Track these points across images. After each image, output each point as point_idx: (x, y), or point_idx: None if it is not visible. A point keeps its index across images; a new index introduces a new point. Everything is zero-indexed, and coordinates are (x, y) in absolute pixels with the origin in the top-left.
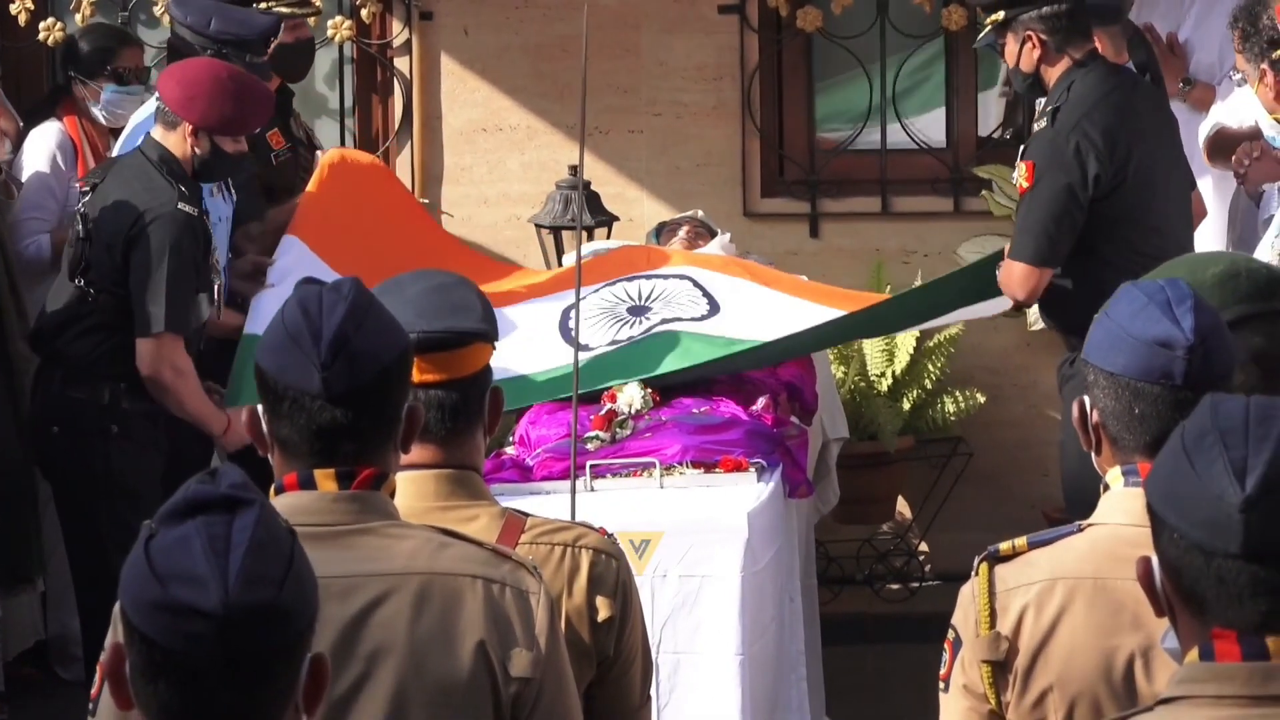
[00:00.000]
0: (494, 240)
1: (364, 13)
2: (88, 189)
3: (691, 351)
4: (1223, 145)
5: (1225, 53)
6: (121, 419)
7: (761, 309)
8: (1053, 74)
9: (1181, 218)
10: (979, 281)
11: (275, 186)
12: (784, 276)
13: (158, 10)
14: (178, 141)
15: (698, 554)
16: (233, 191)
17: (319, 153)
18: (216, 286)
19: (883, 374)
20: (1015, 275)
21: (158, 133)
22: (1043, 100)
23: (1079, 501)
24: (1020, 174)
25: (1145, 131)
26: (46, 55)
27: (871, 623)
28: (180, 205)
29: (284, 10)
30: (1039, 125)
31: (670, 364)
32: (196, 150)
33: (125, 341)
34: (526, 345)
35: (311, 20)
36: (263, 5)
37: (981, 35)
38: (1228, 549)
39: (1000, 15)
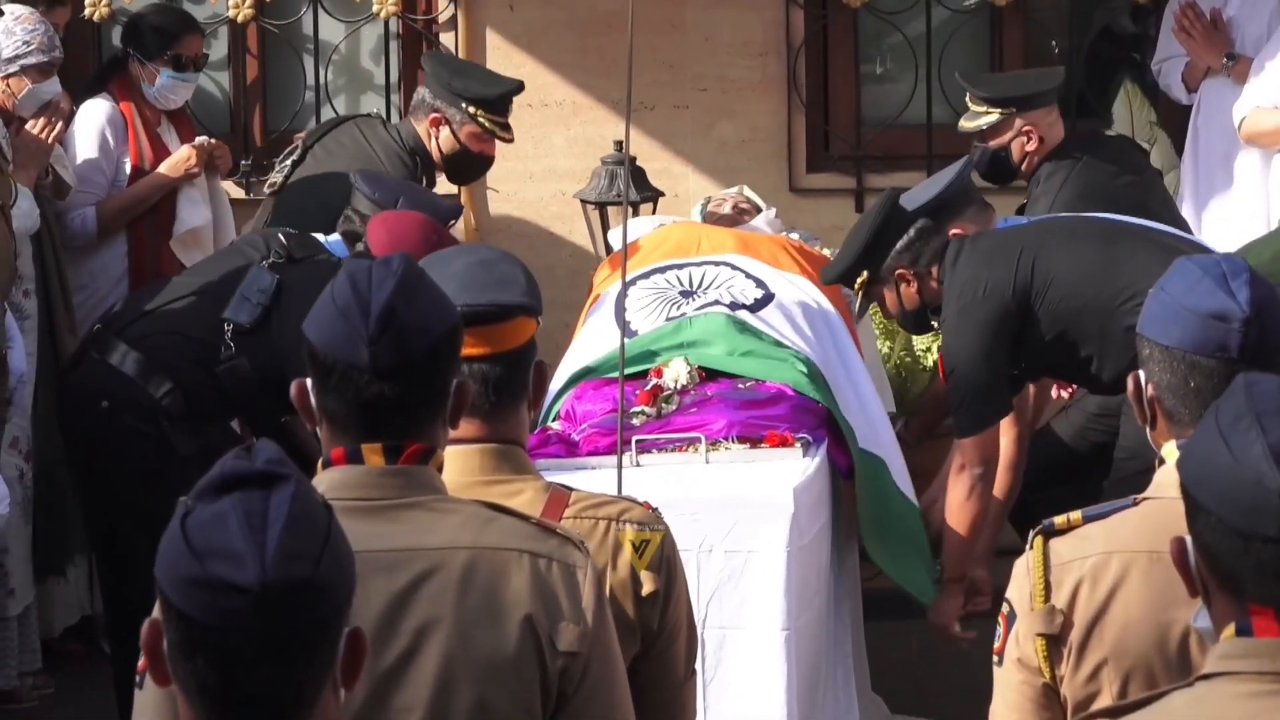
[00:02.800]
0: (540, 216)
1: None
2: (282, 255)
3: (738, 346)
4: (1263, 130)
5: (1275, 24)
6: (169, 416)
7: (810, 305)
8: (930, 294)
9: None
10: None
11: None
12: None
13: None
14: None
15: (743, 529)
16: None
17: None
18: None
19: (929, 349)
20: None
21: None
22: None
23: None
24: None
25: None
26: (93, 31)
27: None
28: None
29: (485, 122)
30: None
31: (717, 351)
32: None
33: (198, 351)
34: (586, 338)
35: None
36: (472, 109)
37: (858, 309)
38: (1267, 533)
39: (864, 276)
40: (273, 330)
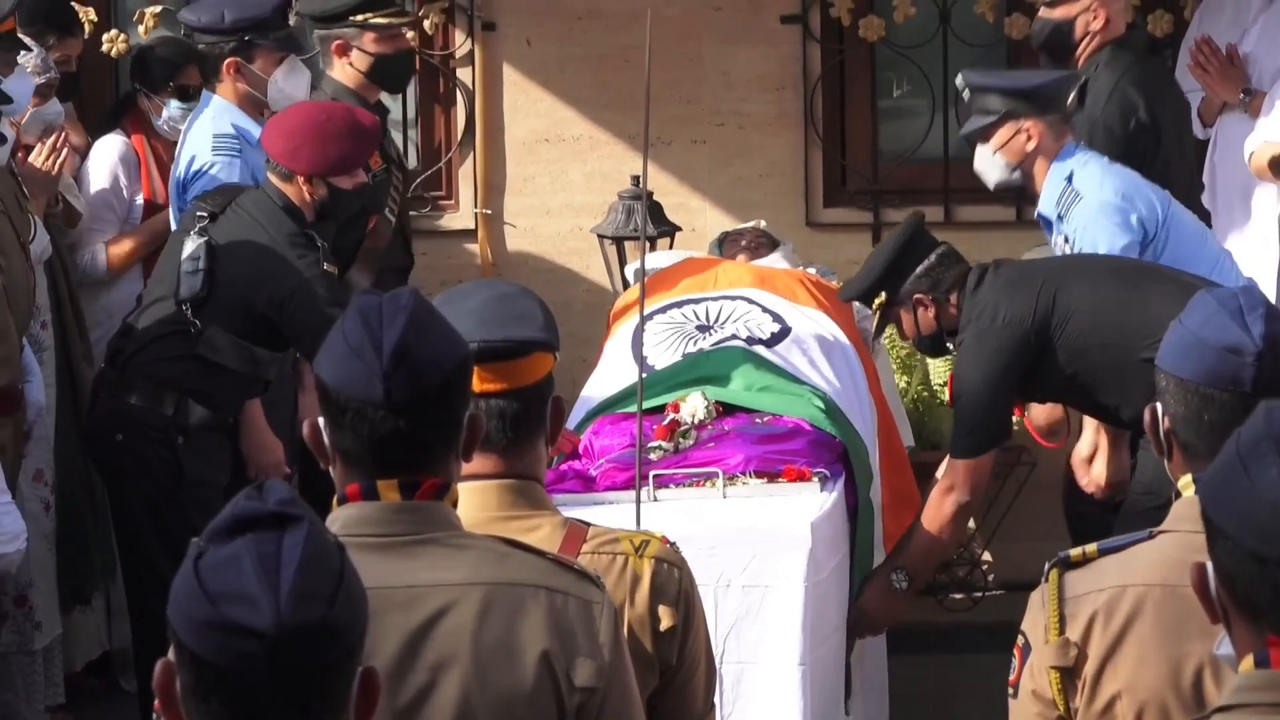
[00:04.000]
0: (557, 251)
1: (426, 24)
2: (204, 216)
3: (755, 381)
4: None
5: None
6: (186, 430)
7: (827, 338)
8: (948, 319)
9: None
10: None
11: (369, 207)
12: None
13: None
14: (295, 192)
15: (761, 564)
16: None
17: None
18: None
19: (945, 383)
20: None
21: (274, 182)
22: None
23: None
24: None
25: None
26: (110, 67)
27: (935, 632)
28: (325, 265)
29: (380, 21)
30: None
31: (734, 386)
32: (314, 197)
33: (200, 359)
34: (603, 374)
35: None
36: (359, 18)
37: (875, 332)
38: None
39: (882, 297)
40: (220, 285)
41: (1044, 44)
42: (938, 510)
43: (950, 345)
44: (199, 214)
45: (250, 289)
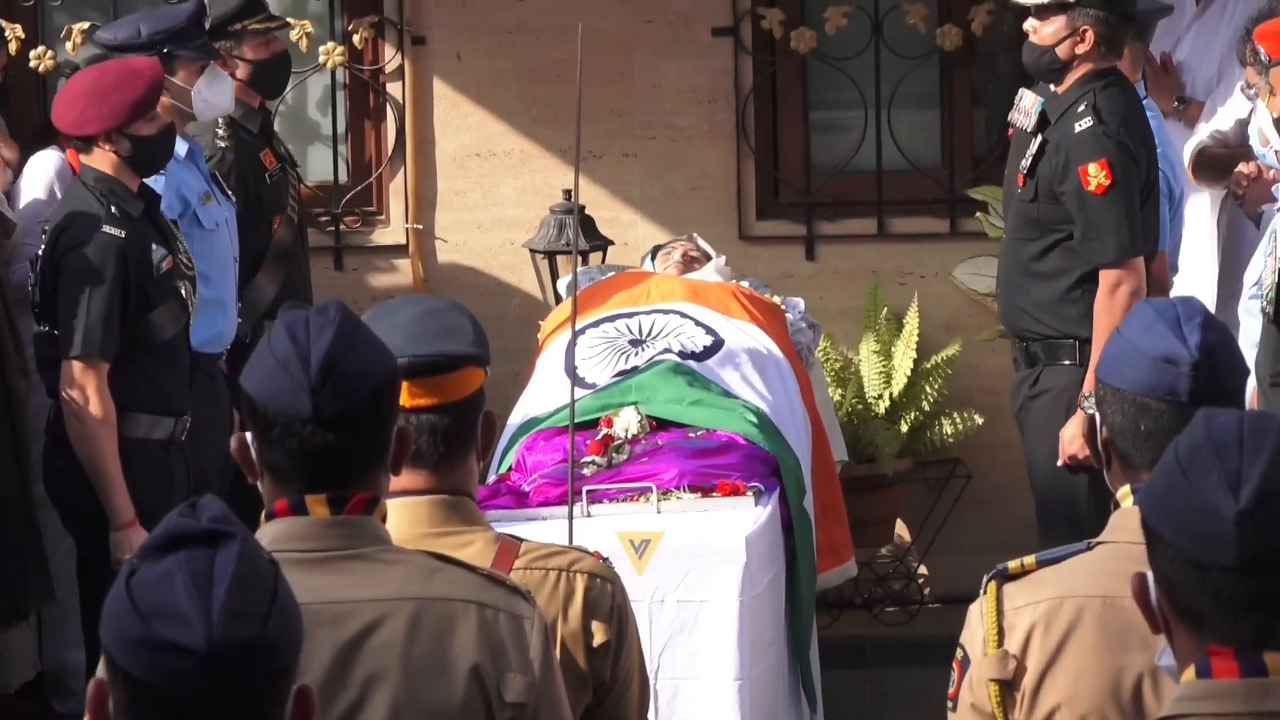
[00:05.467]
0: (488, 265)
1: (356, 38)
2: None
3: (688, 395)
4: (1208, 164)
5: (1225, 68)
6: (125, 448)
7: (760, 352)
8: (1078, 74)
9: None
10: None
11: (270, 207)
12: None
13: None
14: (102, 158)
15: (696, 578)
16: (231, 195)
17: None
18: (184, 290)
19: (880, 396)
20: (1115, 280)
21: (85, 164)
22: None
23: (1053, 515)
24: (1095, 174)
25: (1153, 161)
26: (38, 83)
27: (870, 646)
28: (106, 229)
29: (256, 27)
30: (1081, 125)
31: (667, 401)
32: (120, 153)
33: (117, 372)
34: (536, 389)
35: (302, 41)
36: (235, 27)
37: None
38: (1223, 562)
39: None
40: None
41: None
42: (1111, 308)
43: (1050, 84)
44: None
45: (43, 270)
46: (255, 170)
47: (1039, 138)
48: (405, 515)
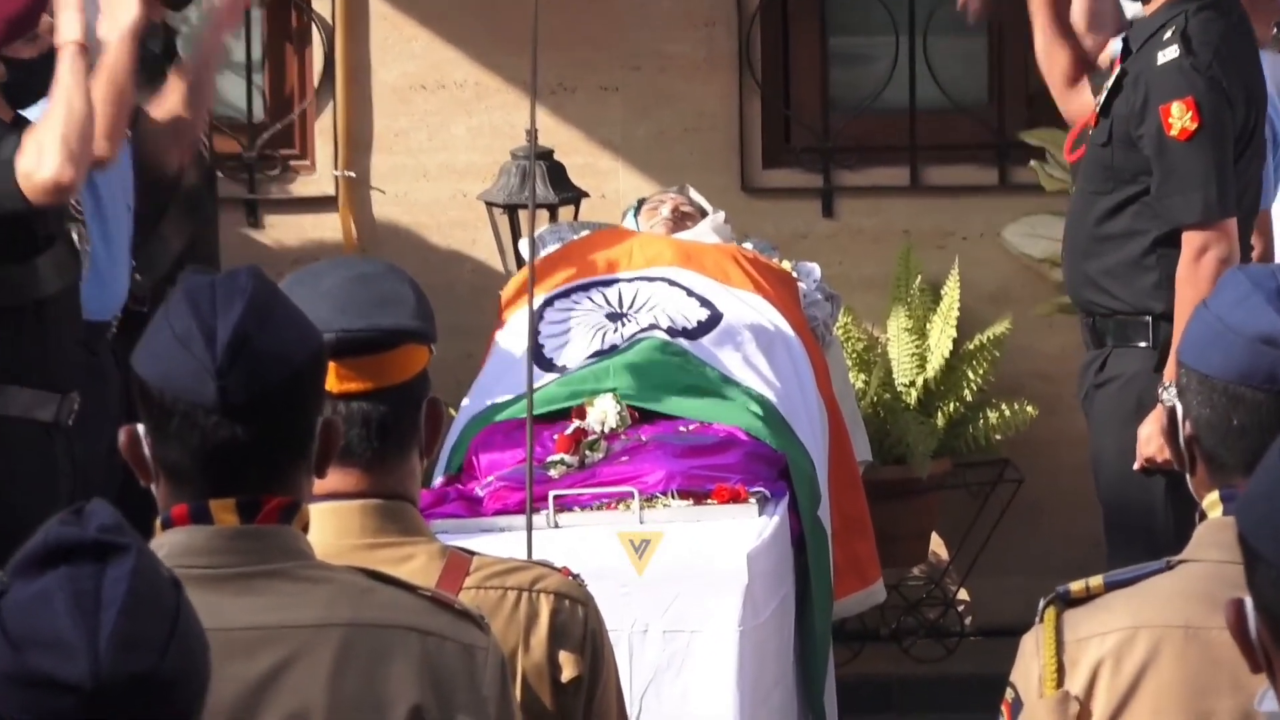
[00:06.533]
0: (436, 222)
1: None
2: None
3: (678, 381)
4: None
5: None
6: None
7: (766, 328)
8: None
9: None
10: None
11: None
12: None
13: None
14: None
15: (686, 605)
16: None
17: None
18: (77, 237)
19: (912, 383)
20: (1200, 244)
21: None
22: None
23: (1123, 527)
24: (1179, 115)
25: (1261, 97)
26: None
27: (899, 687)
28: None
29: None
30: (1165, 56)
31: (653, 388)
32: None
33: None
34: (493, 372)
35: None
36: None
37: None
38: None
39: None
40: None
41: None
42: (1195, 278)
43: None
44: None
45: None
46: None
47: (1117, 68)
48: (332, 523)
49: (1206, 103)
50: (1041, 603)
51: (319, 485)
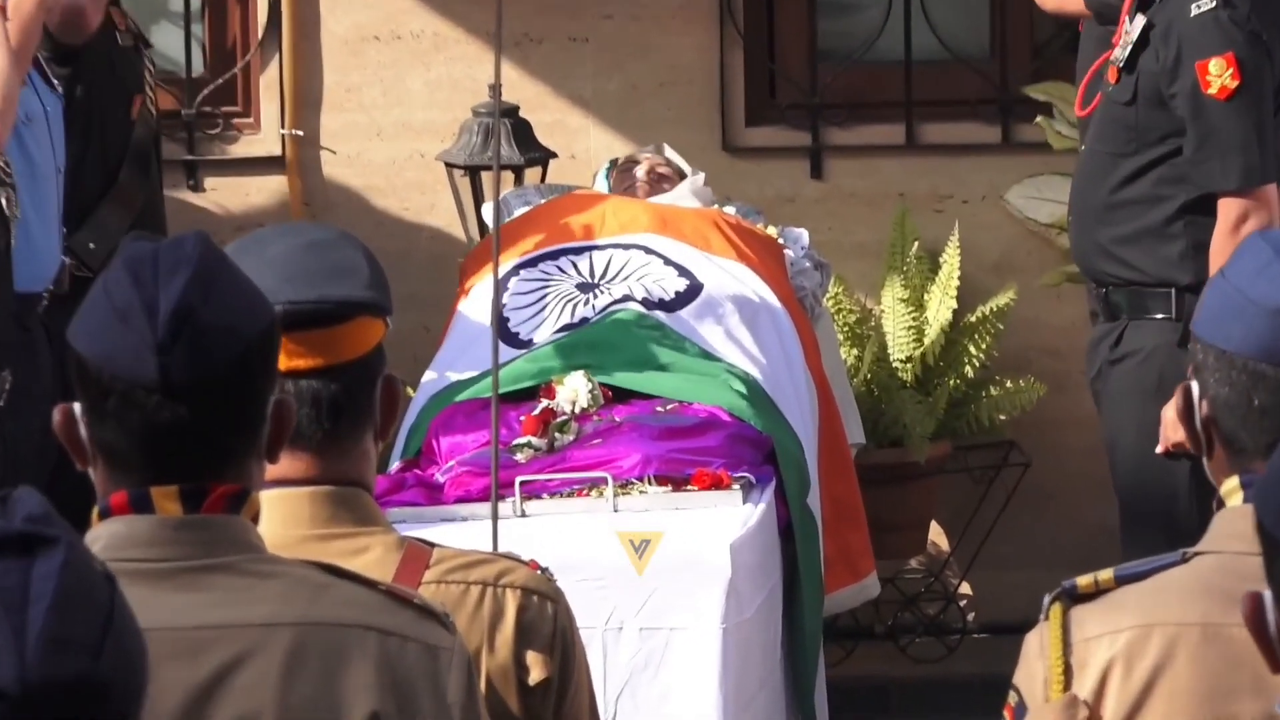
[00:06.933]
0: (390, 184)
1: None
2: None
3: (655, 357)
4: None
5: None
6: None
7: (750, 299)
8: None
9: None
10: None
11: (129, 84)
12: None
13: None
14: None
15: (665, 600)
16: (56, 85)
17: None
18: (5, 202)
19: (909, 358)
20: (1239, 212)
21: None
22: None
23: (1141, 515)
24: (1218, 72)
25: None
26: None
27: (896, 689)
28: None
29: None
30: (1199, 6)
31: (628, 364)
32: None
33: None
34: (454, 347)
35: None
36: None
37: None
38: None
39: None
40: None
41: None
42: (1232, 248)
43: None
44: None
45: None
46: (106, 33)
47: (1139, 18)
48: (279, 512)
49: (1248, 59)
50: (1046, 599)
51: (268, 471)
